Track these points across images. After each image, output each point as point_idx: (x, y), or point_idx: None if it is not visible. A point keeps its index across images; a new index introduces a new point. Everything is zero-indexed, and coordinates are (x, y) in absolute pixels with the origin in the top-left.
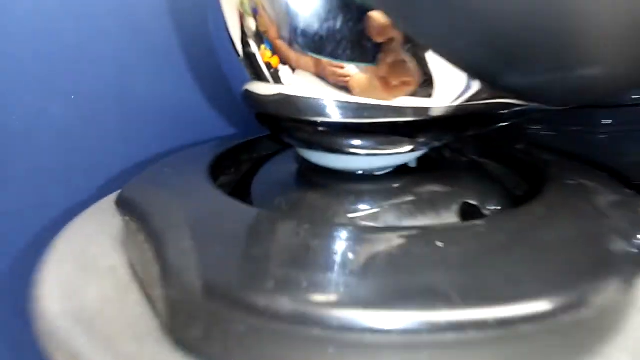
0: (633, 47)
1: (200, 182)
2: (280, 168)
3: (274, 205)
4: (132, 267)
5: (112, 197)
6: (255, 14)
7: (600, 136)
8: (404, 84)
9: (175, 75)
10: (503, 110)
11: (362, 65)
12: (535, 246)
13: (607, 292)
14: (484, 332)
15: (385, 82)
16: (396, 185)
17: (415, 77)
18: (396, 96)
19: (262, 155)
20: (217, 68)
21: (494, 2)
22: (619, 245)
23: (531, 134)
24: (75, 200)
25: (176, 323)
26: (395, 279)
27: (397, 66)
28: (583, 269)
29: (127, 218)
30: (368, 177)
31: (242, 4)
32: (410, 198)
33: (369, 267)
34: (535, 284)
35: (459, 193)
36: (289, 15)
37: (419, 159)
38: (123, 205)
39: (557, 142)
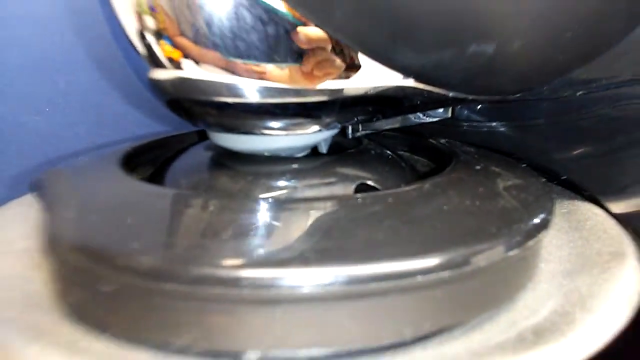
0: (527, 22)
1: (109, 167)
2: (196, 156)
3: (182, 187)
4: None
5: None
6: (152, 11)
7: (530, 133)
8: (325, 74)
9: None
10: (411, 96)
11: (280, 64)
12: (408, 216)
13: (475, 257)
14: (364, 284)
15: (304, 75)
16: (302, 167)
17: (335, 68)
18: (311, 84)
19: (184, 148)
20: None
21: None
22: (501, 220)
23: (469, 131)
24: None
25: (60, 289)
26: (272, 241)
27: (320, 62)
28: (453, 236)
29: (37, 199)
30: (277, 159)
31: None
32: (314, 180)
33: (248, 231)
34: (393, 247)
35: (359, 176)
36: (192, 13)
37: (334, 148)
38: (34, 187)
39: (494, 140)
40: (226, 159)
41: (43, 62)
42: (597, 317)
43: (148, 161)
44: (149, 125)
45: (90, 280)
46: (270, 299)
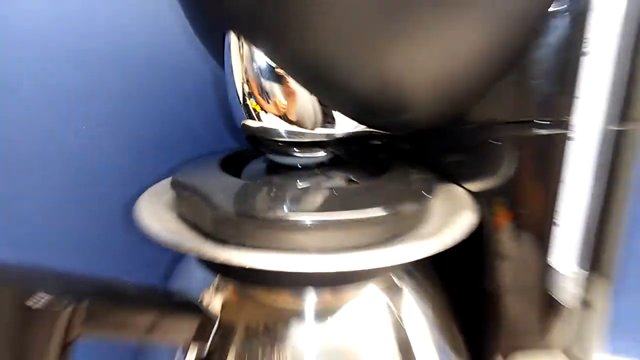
0: (430, 105)
1: (214, 170)
2: (256, 165)
3: (253, 180)
4: (181, 215)
5: (157, 185)
6: (248, 83)
7: (430, 148)
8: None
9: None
10: (372, 134)
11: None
12: (370, 193)
13: (404, 211)
14: (342, 222)
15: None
16: (316, 172)
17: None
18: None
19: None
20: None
21: (353, 84)
22: (411, 195)
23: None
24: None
25: (218, 230)
26: (294, 204)
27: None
28: (390, 201)
29: (179, 190)
30: (300, 168)
31: (243, 80)
32: (322, 178)
33: (296, 199)
34: (366, 204)
35: (348, 175)
36: (264, 87)
37: (332, 160)
38: (175, 184)
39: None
40: (274, 166)
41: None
42: (450, 232)
43: (232, 164)
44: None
45: (238, 224)
46: (290, 226)
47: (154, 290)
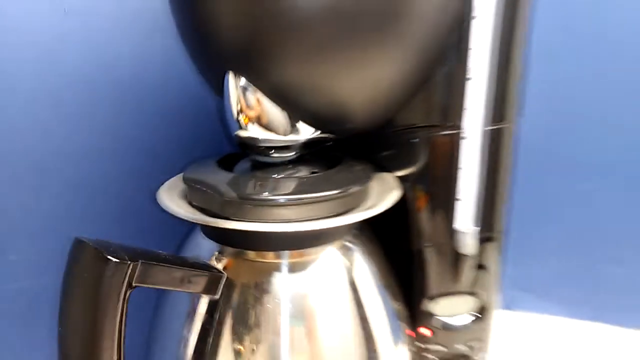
0: (366, 115)
1: (213, 167)
2: (244, 164)
3: (243, 174)
4: (190, 203)
5: (170, 181)
6: (240, 105)
7: (367, 146)
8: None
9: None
10: (326, 138)
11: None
12: (326, 180)
13: (350, 191)
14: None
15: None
16: (288, 167)
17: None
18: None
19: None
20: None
21: (312, 103)
22: (356, 180)
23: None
24: None
25: (221, 209)
26: (271, 188)
27: None
28: (341, 185)
29: (190, 184)
30: (277, 163)
31: (237, 103)
32: (292, 171)
33: (274, 185)
34: (324, 187)
35: (311, 168)
36: (250, 108)
37: (299, 157)
38: (187, 178)
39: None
40: (258, 164)
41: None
42: (383, 203)
43: (227, 163)
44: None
45: (230, 203)
46: (271, 204)
47: (181, 257)
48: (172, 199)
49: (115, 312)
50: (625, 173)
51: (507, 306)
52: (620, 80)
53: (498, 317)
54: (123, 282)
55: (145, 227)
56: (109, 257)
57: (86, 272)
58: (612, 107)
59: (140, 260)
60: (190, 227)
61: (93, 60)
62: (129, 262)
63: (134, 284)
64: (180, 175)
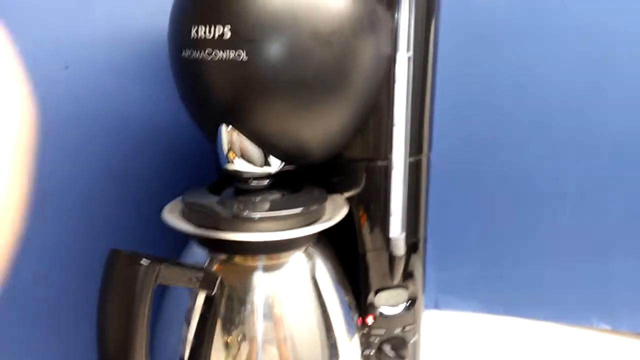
0: (321, 151)
1: (206, 192)
2: (229, 190)
3: (224, 196)
4: (188, 220)
5: (171, 204)
6: (229, 146)
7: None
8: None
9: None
10: (291, 170)
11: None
12: (292, 201)
13: (314, 207)
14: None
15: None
16: (264, 191)
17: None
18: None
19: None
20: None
21: (281, 143)
22: (315, 200)
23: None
24: None
25: (214, 223)
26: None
27: None
28: (304, 204)
29: (190, 205)
30: (255, 189)
31: (227, 144)
32: (266, 195)
33: (253, 205)
34: (291, 206)
35: (280, 192)
36: (236, 147)
37: (271, 184)
38: (186, 202)
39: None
40: (240, 190)
41: None
42: (336, 217)
43: (215, 190)
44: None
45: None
46: (251, 219)
47: (185, 263)
48: (175, 218)
49: (146, 304)
50: (519, 186)
51: (435, 307)
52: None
53: (426, 316)
54: (152, 280)
55: (147, 242)
56: (141, 261)
57: (123, 274)
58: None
59: (163, 264)
60: (186, 239)
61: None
62: (156, 264)
63: (156, 283)
64: (176, 200)
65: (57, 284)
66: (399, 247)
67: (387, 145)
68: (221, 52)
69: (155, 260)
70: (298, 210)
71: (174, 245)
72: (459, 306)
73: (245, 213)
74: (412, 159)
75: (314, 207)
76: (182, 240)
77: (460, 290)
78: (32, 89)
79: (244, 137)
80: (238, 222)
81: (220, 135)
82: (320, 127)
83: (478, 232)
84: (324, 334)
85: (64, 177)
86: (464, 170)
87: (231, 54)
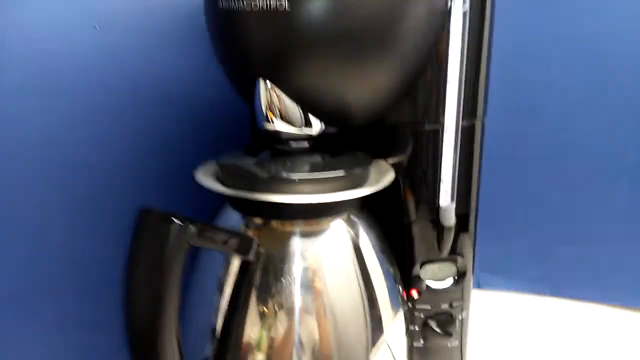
0: (366, 112)
1: (242, 155)
2: (265, 153)
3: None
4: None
5: (202, 167)
6: (268, 104)
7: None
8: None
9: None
10: (333, 132)
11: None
12: (335, 163)
13: (357, 171)
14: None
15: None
16: (302, 154)
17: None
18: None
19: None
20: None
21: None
22: (358, 164)
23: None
24: None
25: (253, 186)
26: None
27: None
28: (347, 168)
29: (225, 167)
30: (293, 152)
31: (266, 102)
32: (307, 157)
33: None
34: (333, 169)
35: (321, 155)
36: (276, 105)
37: (312, 147)
38: (221, 165)
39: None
40: (278, 153)
41: None
42: (380, 183)
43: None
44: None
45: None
46: (291, 181)
47: (225, 228)
48: (210, 180)
49: (178, 267)
50: (574, 161)
51: (476, 286)
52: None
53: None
54: (185, 240)
55: (180, 203)
56: (175, 220)
57: (154, 234)
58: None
59: (198, 224)
60: (218, 203)
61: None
62: (190, 225)
63: (190, 244)
64: (209, 163)
65: (80, 247)
66: (449, 218)
67: (439, 107)
68: (261, 0)
69: (189, 220)
70: (341, 172)
71: (206, 212)
72: (502, 285)
73: (284, 174)
74: (465, 123)
75: (358, 171)
76: (215, 206)
77: (504, 269)
78: (62, 48)
79: (284, 95)
80: (276, 183)
81: (259, 93)
82: (366, 86)
83: (525, 207)
84: (367, 306)
85: (93, 140)
86: (516, 141)
87: (272, 3)
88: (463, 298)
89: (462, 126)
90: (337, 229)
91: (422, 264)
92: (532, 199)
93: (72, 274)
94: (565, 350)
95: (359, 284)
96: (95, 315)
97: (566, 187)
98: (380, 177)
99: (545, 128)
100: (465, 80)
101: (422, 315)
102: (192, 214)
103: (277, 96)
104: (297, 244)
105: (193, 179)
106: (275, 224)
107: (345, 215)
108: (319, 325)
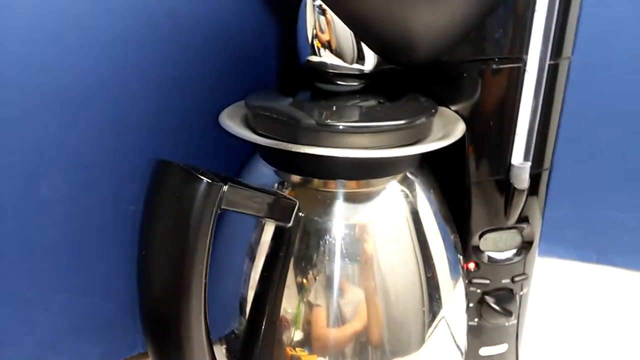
0: (429, 46)
1: (276, 94)
2: (304, 94)
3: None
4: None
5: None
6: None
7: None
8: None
9: None
10: (389, 69)
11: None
12: (394, 110)
13: (421, 120)
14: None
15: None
16: (351, 95)
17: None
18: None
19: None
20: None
21: (384, 31)
22: (421, 112)
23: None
24: None
25: (293, 134)
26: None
27: None
28: (408, 116)
29: (256, 110)
30: (341, 92)
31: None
32: (357, 100)
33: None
34: (392, 117)
35: (375, 98)
36: (324, 33)
37: (363, 88)
38: (251, 107)
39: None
40: (319, 94)
41: None
42: (450, 136)
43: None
44: None
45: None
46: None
47: (260, 188)
48: (237, 125)
49: (207, 233)
50: (626, 121)
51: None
52: None
53: None
54: (216, 202)
55: (200, 155)
56: (202, 177)
57: (177, 193)
58: None
59: (228, 183)
60: (246, 157)
61: None
62: (221, 183)
63: (218, 207)
64: (236, 104)
65: (85, 202)
66: (522, 179)
67: (520, 42)
68: None
69: (218, 177)
70: (400, 122)
71: (231, 164)
72: (545, 251)
73: (330, 121)
74: (552, 62)
75: (421, 120)
76: (242, 157)
77: (547, 234)
78: None
79: (336, 19)
80: (319, 133)
81: (305, 14)
82: (433, 13)
83: (572, 169)
84: (424, 281)
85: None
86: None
87: None
88: (525, 272)
89: (549, 65)
90: (392, 191)
91: (482, 234)
92: (578, 160)
93: (76, 234)
94: (609, 319)
95: (416, 256)
96: (102, 278)
97: (616, 149)
98: (447, 128)
99: (599, 88)
100: (558, 11)
101: (478, 291)
102: (217, 166)
103: (327, 20)
104: (343, 208)
105: (214, 124)
106: (317, 183)
107: (402, 175)
108: (368, 301)
